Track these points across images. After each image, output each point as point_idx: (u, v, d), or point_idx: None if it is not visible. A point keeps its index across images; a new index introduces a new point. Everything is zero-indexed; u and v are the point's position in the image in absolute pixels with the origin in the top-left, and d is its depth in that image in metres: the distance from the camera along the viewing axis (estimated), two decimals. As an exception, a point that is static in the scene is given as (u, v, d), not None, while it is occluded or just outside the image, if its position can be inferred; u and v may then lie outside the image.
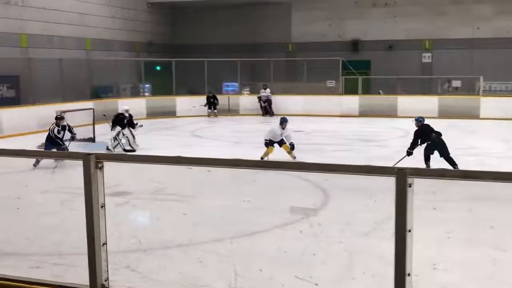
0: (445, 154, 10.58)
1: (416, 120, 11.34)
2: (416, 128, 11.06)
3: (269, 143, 11.89)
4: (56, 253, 5.64)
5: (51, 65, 19.61)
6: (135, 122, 14.10)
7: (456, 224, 6.70)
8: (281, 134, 11.95)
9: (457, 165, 10.36)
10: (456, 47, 25.68)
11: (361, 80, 23.97)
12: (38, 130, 16.84)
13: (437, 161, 10.51)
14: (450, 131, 17.80)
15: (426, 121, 11.36)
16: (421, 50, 26.79)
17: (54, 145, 11.80)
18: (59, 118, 12.24)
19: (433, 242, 5.73)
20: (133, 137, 14.00)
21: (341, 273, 5.29)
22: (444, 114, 21.79)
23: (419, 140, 10.83)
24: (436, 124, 19.51)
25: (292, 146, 11.90)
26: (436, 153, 10.65)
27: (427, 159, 10.75)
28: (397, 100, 22.79)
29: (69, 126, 12.26)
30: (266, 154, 11.86)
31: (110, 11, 25.18)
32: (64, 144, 12.04)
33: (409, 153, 10.90)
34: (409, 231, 2.40)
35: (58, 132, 11.97)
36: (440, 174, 2.35)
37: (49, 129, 12.07)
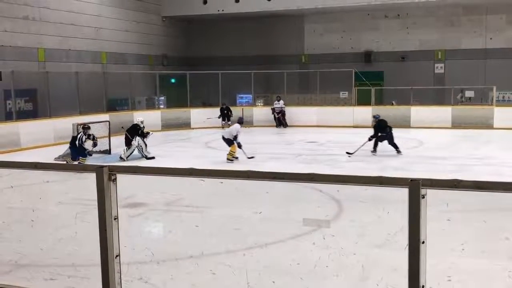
0: (392, 142, 14.39)
1: (374, 117, 15.00)
2: (374, 123, 14.70)
3: (232, 141, 13.52)
4: (70, 265, 5.68)
5: (67, 78, 19.90)
6: (145, 132, 14.75)
7: (471, 235, 6.63)
8: (238, 133, 13.71)
9: (399, 148, 14.33)
10: (468, 57, 25.59)
11: (374, 91, 23.91)
12: (55, 143, 17.06)
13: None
14: (464, 141, 17.75)
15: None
16: (433, 61, 26.71)
17: (80, 151, 13.07)
18: (86, 128, 13.45)
19: (447, 254, 5.67)
20: (145, 145, 14.60)
21: (355, 285, 5.25)
22: (457, 124, 21.68)
23: (378, 132, 14.34)
24: (450, 134, 19.57)
25: (239, 145, 13.67)
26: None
27: (375, 148, 14.37)
28: (410, 110, 22.69)
29: (93, 135, 13.59)
30: (233, 153, 13.51)
31: (125, 25, 25.47)
32: (87, 151, 13.28)
33: (370, 139, 14.37)
34: (423, 242, 2.38)
35: (85, 140, 13.20)
36: (453, 185, 2.33)
37: (78, 137, 13.21)
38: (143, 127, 14.69)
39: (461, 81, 24.62)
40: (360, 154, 14.98)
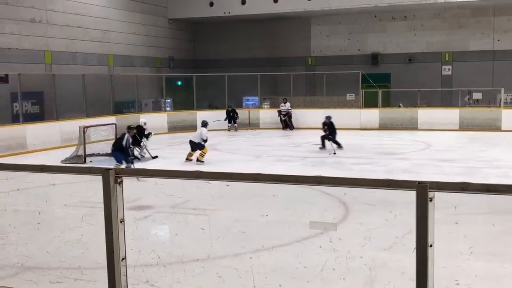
0: (335, 140, 16.17)
1: (326, 118, 16.66)
2: (327, 123, 16.36)
3: (201, 145, 13.92)
4: (77, 268, 5.68)
5: (74, 81, 19.96)
6: (146, 132, 15.16)
7: (479, 239, 6.58)
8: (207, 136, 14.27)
9: (341, 144, 16.16)
10: (476, 59, 25.50)
11: (381, 93, 23.86)
12: (62, 145, 17.11)
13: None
14: (472, 144, 17.65)
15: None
16: (441, 63, 26.62)
17: (126, 154, 11.99)
18: (131, 128, 12.71)
19: (455, 257, 5.63)
20: (145, 146, 15.13)
21: (362, 288, 5.22)
22: (465, 126, 21.59)
23: (329, 131, 16.15)
24: (458, 137, 19.48)
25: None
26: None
27: (323, 145, 16.10)
28: (418, 112, 22.62)
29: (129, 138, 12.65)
30: (204, 154, 13.95)
31: (131, 27, 25.56)
32: (132, 155, 12.40)
33: (330, 139, 16.05)
34: (431, 245, 2.36)
35: (132, 143, 12.36)
36: (461, 188, 2.31)
37: (125, 138, 12.06)
38: (145, 128, 15.14)
39: (468, 83, 24.54)
40: (366, 156, 14.96)
